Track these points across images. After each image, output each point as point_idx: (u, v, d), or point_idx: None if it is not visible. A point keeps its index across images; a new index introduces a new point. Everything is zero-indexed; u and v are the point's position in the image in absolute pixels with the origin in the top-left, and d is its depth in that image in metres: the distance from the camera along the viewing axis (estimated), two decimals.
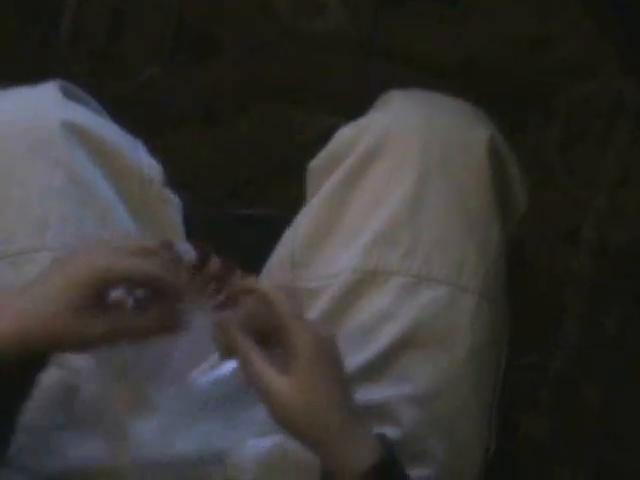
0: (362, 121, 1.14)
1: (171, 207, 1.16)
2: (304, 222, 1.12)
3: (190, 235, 1.14)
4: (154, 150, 1.26)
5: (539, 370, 1.65)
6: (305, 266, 1.11)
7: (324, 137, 1.17)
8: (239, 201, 1.45)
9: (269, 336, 0.92)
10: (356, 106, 1.15)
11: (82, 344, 0.89)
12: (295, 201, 1.18)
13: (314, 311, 1.07)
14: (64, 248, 1.03)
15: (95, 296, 0.88)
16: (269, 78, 1.65)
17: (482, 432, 1.07)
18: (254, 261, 1.13)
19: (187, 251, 1.01)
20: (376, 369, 1.04)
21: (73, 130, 1.08)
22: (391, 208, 1.07)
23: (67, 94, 1.13)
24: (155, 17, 1.65)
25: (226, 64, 1.65)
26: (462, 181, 1.07)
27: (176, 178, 1.56)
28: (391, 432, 1.01)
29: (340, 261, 1.08)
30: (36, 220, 1.04)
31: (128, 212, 1.11)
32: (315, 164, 1.16)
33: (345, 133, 1.14)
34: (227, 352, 0.92)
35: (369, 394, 1.03)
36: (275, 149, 1.65)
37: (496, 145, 1.09)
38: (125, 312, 0.91)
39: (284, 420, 0.89)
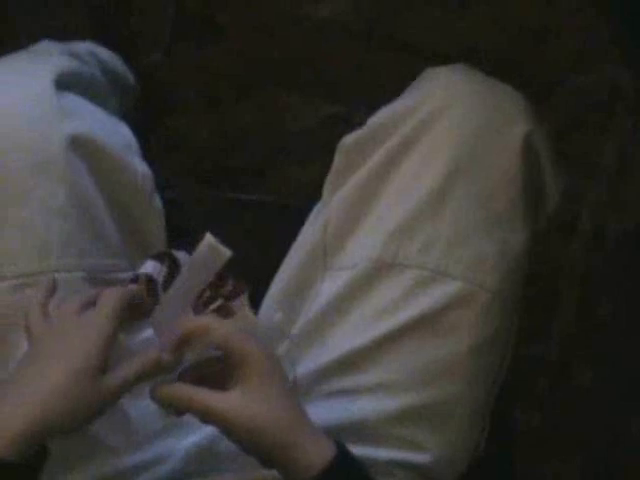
0: (403, 102, 1.12)
1: (156, 216, 1.16)
2: (338, 208, 1.11)
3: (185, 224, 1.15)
4: (155, 135, 1.27)
5: (535, 359, 1.65)
6: (337, 254, 1.10)
7: (323, 124, 1.17)
8: (238, 186, 1.46)
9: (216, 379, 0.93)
10: (356, 94, 1.16)
11: (104, 406, 0.90)
12: (294, 187, 1.18)
13: (325, 296, 1.08)
14: (67, 270, 1.04)
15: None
16: (270, 64, 1.65)
17: (474, 429, 1.08)
18: (253, 246, 1.14)
19: (184, 260, 1.03)
20: (372, 354, 1.05)
21: (72, 142, 1.08)
22: (415, 201, 1.06)
23: (63, 84, 1.12)
24: (156, 3, 1.65)
25: (227, 50, 1.65)
26: (492, 178, 1.06)
27: (176, 162, 1.58)
28: (385, 411, 1.02)
29: (363, 250, 1.08)
30: (39, 242, 1.04)
31: (115, 223, 1.11)
32: (349, 141, 1.14)
33: (386, 114, 1.13)
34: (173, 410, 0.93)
35: (363, 378, 1.04)
36: (275, 135, 1.65)
37: (533, 142, 1.08)
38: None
39: (239, 438, 0.91)
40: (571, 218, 1.66)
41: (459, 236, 1.05)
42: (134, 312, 0.96)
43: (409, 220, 1.06)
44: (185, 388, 0.92)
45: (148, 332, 1.01)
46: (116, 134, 1.15)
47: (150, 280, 1.02)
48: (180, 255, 1.05)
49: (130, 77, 1.38)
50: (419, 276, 1.05)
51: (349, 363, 1.04)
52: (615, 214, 1.65)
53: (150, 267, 1.03)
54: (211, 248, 0.93)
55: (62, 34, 1.26)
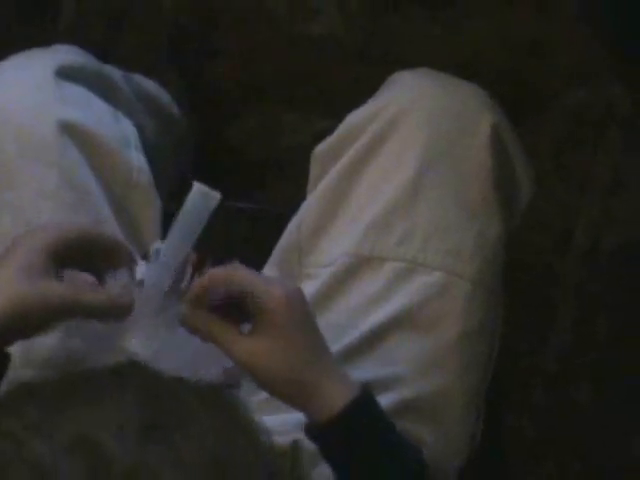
0: (370, 106, 1.14)
1: (151, 210, 1.16)
2: (310, 209, 1.13)
3: None
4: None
5: (531, 372, 1.66)
6: (312, 253, 1.11)
7: (319, 139, 1.18)
8: (234, 200, 1.46)
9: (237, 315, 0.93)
10: (349, 109, 1.16)
11: (46, 310, 0.87)
12: (289, 201, 1.19)
13: (307, 293, 1.08)
14: None
15: (53, 262, 0.88)
16: (264, 81, 1.66)
17: (469, 417, 1.08)
18: (250, 253, 1.14)
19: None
20: (362, 349, 1.05)
21: (67, 129, 1.08)
22: (390, 195, 1.08)
23: (63, 74, 1.12)
24: (151, 19, 1.65)
25: (221, 66, 1.66)
26: (463, 170, 1.08)
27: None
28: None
29: (339, 247, 1.09)
30: (29, 224, 1.04)
31: (112, 210, 1.12)
32: (321, 148, 1.16)
33: (354, 117, 1.14)
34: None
35: (354, 374, 1.03)
36: (269, 151, 1.66)
37: (501, 132, 1.09)
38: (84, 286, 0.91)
39: (261, 379, 0.91)
40: (566, 232, 1.66)
41: (435, 228, 1.06)
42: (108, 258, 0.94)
43: (384, 215, 1.07)
44: (212, 324, 0.92)
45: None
46: (113, 127, 1.15)
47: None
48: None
49: (175, 109, 1.39)
50: (398, 268, 1.06)
51: (339, 361, 1.04)
52: (609, 228, 1.65)
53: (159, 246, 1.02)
54: (201, 193, 0.94)
55: None
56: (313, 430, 0.92)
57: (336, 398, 0.91)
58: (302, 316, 0.93)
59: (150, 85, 1.34)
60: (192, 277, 1.00)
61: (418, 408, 1.05)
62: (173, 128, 1.39)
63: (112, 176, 1.12)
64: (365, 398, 0.92)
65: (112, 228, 1.10)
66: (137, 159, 1.15)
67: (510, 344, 1.17)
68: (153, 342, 0.96)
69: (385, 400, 1.03)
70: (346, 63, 1.65)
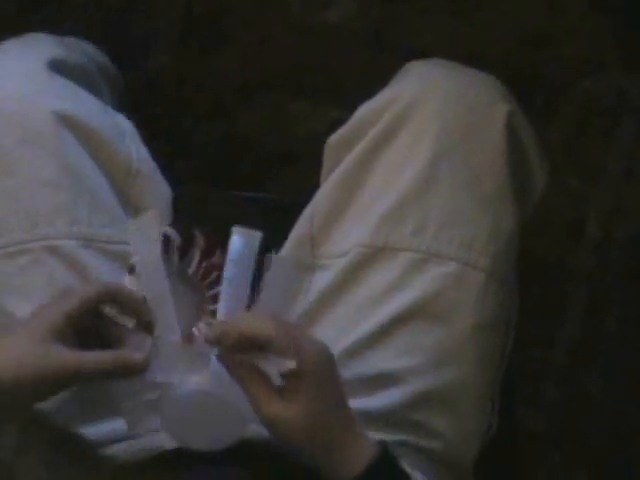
0: (383, 96, 1.13)
1: (157, 197, 1.16)
2: (323, 199, 1.13)
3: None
4: (159, 138, 1.27)
5: (541, 365, 1.65)
6: (324, 244, 1.11)
7: (331, 129, 1.17)
8: (245, 190, 1.45)
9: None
10: (362, 99, 1.16)
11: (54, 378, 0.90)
12: (302, 191, 1.18)
13: (321, 283, 1.08)
14: (56, 238, 1.05)
15: (73, 328, 0.91)
16: (276, 70, 1.65)
17: (484, 409, 1.08)
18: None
19: (175, 237, 1.03)
20: (377, 341, 1.05)
21: (63, 120, 1.08)
22: (404, 185, 1.07)
23: (55, 68, 1.13)
24: (163, 7, 1.65)
25: (234, 54, 1.65)
26: (477, 160, 1.07)
27: (182, 166, 1.58)
28: (391, 401, 1.02)
29: (352, 237, 1.09)
30: (27, 211, 1.05)
31: (116, 196, 1.12)
32: (335, 139, 1.16)
33: (367, 108, 1.14)
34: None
35: (369, 364, 1.04)
36: (280, 141, 1.66)
37: (515, 122, 1.09)
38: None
39: (285, 441, 0.91)
40: (578, 223, 1.66)
41: (449, 218, 1.06)
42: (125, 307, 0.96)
43: (398, 205, 1.07)
44: (246, 377, 0.91)
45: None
46: (106, 120, 1.16)
47: (166, 239, 1.02)
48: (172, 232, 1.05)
49: (115, 69, 1.38)
50: (412, 259, 1.06)
51: (353, 352, 1.05)
52: (621, 219, 1.65)
53: (167, 231, 1.03)
54: (243, 236, 0.95)
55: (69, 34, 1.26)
56: None
57: (358, 456, 0.91)
58: (333, 374, 0.93)
59: (90, 48, 1.33)
60: (200, 263, 1.00)
61: (433, 400, 1.04)
62: (115, 85, 1.38)
63: (111, 164, 1.12)
64: (385, 457, 0.93)
65: (116, 215, 1.11)
66: (136, 150, 1.16)
67: (520, 336, 1.16)
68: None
69: (400, 392, 1.04)
70: (359, 53, 1.65)
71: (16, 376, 0.88)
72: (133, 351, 0.92)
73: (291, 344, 0.89)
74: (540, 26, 1.66)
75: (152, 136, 1.22)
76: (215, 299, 0.97)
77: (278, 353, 0.89)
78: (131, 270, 1.00)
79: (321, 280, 1.09)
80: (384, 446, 0.93)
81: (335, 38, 1.65)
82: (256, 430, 0.95)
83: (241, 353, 0.90)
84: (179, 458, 0.99)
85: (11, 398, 0.90)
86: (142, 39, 1.63)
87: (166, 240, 1.01)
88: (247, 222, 0.92)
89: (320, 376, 0.90)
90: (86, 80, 1.20)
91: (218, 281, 0.98)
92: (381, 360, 1.05)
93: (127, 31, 1.62)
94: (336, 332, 1.05)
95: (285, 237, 1.14)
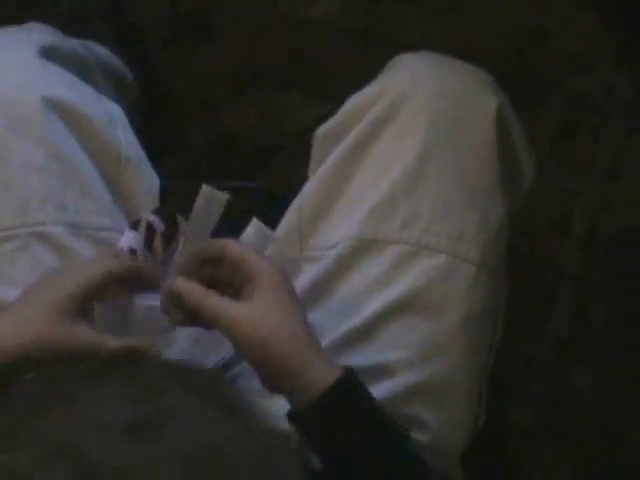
0: (372, 89, 1.14)
1: (145, 184, 1.17)
2: (311, 191, 1.13)
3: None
4: (150, 133, 1.27)
5: (530, 361, 1.66)
6: (312, 236, 1.11)
7: (319, 123, 1.17)
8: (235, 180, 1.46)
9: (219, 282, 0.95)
10: (352, 92, 1.16)
11: (68, 353, 0.89)
12: (290, 183, 1.18)
13: (310, 276, 1.09)
14: (45, 223, 1.05)
15: (83, 304, 0.91)
16: (265, 64, 1.65)
17: (472, 401, 1.08)
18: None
19: (158, 224, 1.04)
20: (366, 333, 1.05)
21: (53, 106, 1.08)
22: (393, 178, 1.07)
23: (47, 55, 1.13)
24: (152, 2, 1.65)
25: (222, 49, 1.65)
26: (466, 152, 1.07)
27: (170, 161, 1.58)
28: (381, 393, 1.02)
29: (341, 230, 1.09)
30: (18, 198, 1.05)
31: (105, 184, 1.12)
32: (323, 130, 1.16)
33: (356, 100, 1.14)
34: (179, 322, 0.95)
35: (359, 357, 1.04)
36: (270, 135, 1.66)
37: (504, 115, 1.09)
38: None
39: (247, 349, 0.91)
40: (564, 219, 1.66)
41: (439, 211, 1.06)
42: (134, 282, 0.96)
43: (387, 198, 1.07)
44: (200, 289, 0.93)
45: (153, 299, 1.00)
46: (97, 106, 1.16)
47: (151, 228, 1.03)
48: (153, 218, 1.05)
49: (130, 76, 1.39)
50: (402, 251, 1.06)
51: (343, 344, 1.05)
52: (608, 215, 1.65)
53: (150, 218, 1.04)
54: (210, 196, 0.96)
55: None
56: (300, 411, 0.92)
57: (324, 374, 0.91)
58: (290, 289, 0.94)
59: (103, 51, 1.33)
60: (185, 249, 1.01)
61: (423, 392, 1.05)
62: (126, 93, 1.38)
63: (101, 152, 1.13)
64: (351, 379, 0.93)
65: (105, 203, 1.11)
66: (125, 136, 1.16)
67: (508, 332, 1.17)
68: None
69: (391, 384, 1.04)
70: (347, 46, 1.65)
71: (26, 355, 0.88)
72: (153, 341, 0.93)
73: (244, 253, 0.92)
74: (529, 22, 1.66)
75: (141, 131, 1.22)
76: None
77: (231, 265, 0.92)
78: (134, 225, 1.01)
79: (310, 272, 1.09)
80: (349, 369, 0.93)
81: (324, 33, 1.65)
82: None
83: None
84: None
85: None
86: (131, 34, 1.63)
87: (149, 227, 1.02)
88: (235, 212, 0.93)
89: (273, 280, 0.92)
90: (80, 68, 1.20)
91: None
92: (371, 353, 1.05)
93: (114, 25, 1.61)
94: (326, 324, 1.05)
95: (274, 228, 1.14)
